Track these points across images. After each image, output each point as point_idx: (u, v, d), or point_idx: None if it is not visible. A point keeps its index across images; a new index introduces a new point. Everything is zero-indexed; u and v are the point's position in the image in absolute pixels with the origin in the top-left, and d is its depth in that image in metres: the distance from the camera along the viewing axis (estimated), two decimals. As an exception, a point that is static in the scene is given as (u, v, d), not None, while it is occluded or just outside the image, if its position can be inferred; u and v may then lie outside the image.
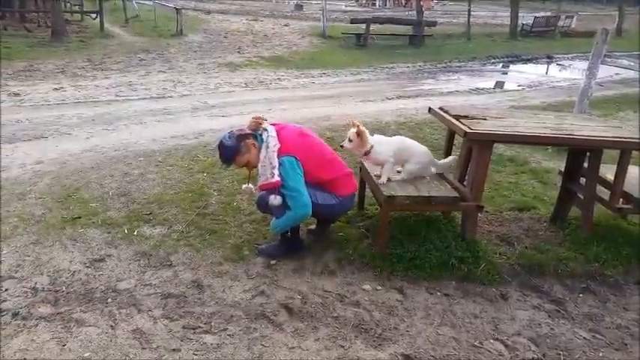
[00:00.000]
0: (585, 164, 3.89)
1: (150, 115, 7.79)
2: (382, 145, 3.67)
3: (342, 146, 3.68)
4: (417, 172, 3.72)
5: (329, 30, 19.80)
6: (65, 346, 2.65)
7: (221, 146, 3.38)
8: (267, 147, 3.30)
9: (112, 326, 2.82)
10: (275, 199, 3.33)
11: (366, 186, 4.08)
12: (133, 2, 22.97)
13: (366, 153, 3.65)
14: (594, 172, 3.73)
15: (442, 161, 3.85)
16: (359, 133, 3.57)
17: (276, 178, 3.26)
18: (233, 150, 3.34)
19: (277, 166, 3.26)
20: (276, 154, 3.28)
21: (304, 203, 3.29)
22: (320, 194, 3.41)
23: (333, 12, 27.69)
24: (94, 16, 19.29)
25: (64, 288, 3.15)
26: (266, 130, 3.37)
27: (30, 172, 5.09)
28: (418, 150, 3.75)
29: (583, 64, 12.58)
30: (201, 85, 10.65)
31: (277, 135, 3.34)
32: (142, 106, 8.37)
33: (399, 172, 3.74)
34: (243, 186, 3.64)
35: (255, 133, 3.39)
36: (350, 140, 3.61)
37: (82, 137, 6.45)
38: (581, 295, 3.36)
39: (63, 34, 15.53)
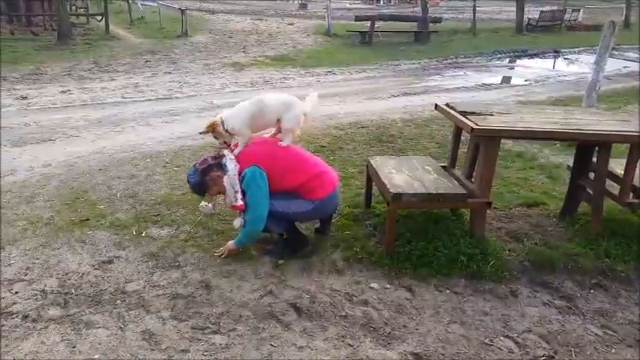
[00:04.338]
0: (594, 159, 3.86)
1: (156, 116, 7.80)
2: (232, 118, 3.36)
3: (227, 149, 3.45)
4: (295, 128, 3.42)
5: (334, 28, 19.77)
6: (75, 348, 2.66)
7: (189, 183, 3.48)
8: (228, 171, 3.31)
9: (121, 328, 2.83)
10: (238, 222, 3.47)
11: (373, 184, 4.06)
12: (138, 4, 23.05)
13: (226, 141, 3.44)
14: (603, 166, 3.69)
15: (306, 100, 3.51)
16: (211, 128, 3.40)
17: (240, 203, 3.32)
18: (200, 185, 3.43)
19: (240, 190, 3.30)
20: (237, 176, 3.30)
21: (255, 219, 3.33)
22: (293, 203, 3.41)
23: (338, 10, 27.67)
24: (99, 18, 19.38)
25: (73, 290, 3.16)
26: (224, 155, 3.38)
27: (38, 175, 5.11)
28: (278, 103, 3.41)
29: (590, 58, 12.53)
30: (207, 85, 10.67)
31: (238, 153, 3.37)
32: (148, 108, 8.39)
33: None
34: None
35: (219, 161, 3.37)
36: (216, 138, 3.46)
37: (89, 139, 6.47)
38: (591, 290, 3.33)
39: (69, 37, 15.62)
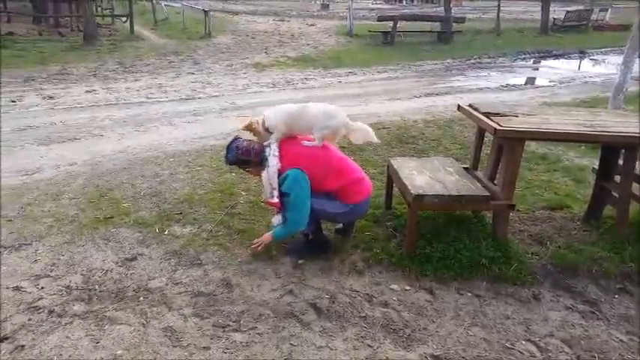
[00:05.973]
0: (620, 161, 3.79)
1: (179, 116, 7.89)
2: (272, 116, 3.41)
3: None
4: (327, 137, 3.42)
5: (355, 28, 19.74)
6: (98, 344, 2.71)
7: (226, 155, 3.46)
8: (268, 167, 3.32)
9: (143, 324, 2.87)
10: (277, 220, 3.46)
11: (394, 185, 4.05)
12: (162, 5, 23.33)
13: (265, 135, 3.46)
14: (629, 169, 3.62)
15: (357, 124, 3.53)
16: (248, 128, 3.46)
17: (275, 200, 3.33)
18: (233, 163, 3.48)
19: (277, 187, 3.31)
20: (276, 174, 3.30)
21: (298, 219, 3.32)
22: (330, 204, 3.40)
23: (360, 10, 27.66)
24: (124, 19, 19.65)
25: (97, 287, 3.22)
26: (269, 146, 3.39)
27: (64, 173, 5.21)
28: (318, 113, 3.38)
29: (617, 59, 12.28)
30: (229, 86, 10.74)
31: (280, 147, 3.36)
32: (171, 108, 8.49)
33: None
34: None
35: (262, 157, 3.38)
36: (259, 133, 3.47)
37: (114, 139, 6.58)
38: (616, 295, 3.27)
39: (94, 38, 15.88)
